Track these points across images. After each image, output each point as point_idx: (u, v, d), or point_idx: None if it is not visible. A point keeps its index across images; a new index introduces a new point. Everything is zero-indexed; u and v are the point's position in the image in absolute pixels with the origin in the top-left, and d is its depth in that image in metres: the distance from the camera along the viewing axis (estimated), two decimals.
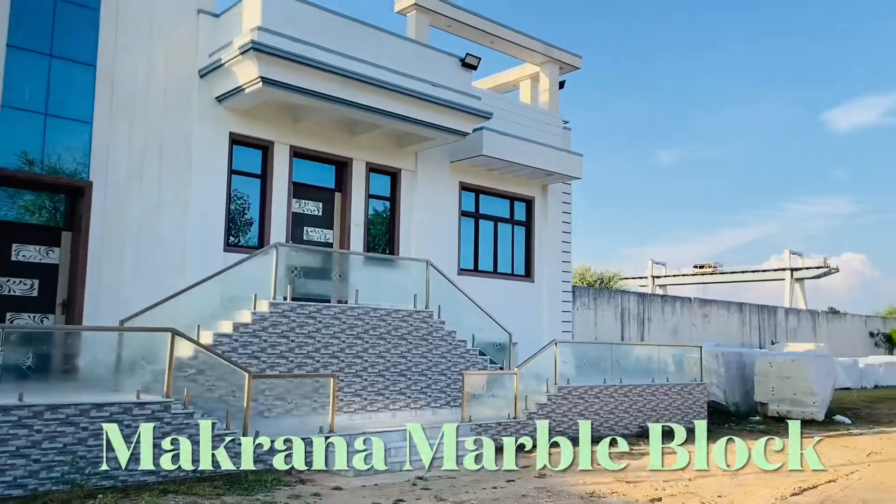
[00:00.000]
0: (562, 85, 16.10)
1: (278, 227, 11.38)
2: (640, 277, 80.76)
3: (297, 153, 11.77)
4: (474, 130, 12.85)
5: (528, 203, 15.28)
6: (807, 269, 70.22)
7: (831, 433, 12.65)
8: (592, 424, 11.34)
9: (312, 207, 12.00)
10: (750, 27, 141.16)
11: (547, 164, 14.24)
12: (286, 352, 9.14)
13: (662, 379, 12.63)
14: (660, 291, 74.76)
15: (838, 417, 14.64)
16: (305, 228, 11.89)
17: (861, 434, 12.62)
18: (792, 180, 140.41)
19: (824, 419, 14.34)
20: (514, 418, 10.41)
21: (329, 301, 10.09)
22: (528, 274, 15.10)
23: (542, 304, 15.02)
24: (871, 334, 41.21)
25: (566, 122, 16.00)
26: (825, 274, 71.18)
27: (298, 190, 11.81)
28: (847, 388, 23.75)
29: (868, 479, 8.49)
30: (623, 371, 12.22)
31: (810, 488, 7.85)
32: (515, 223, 15.10)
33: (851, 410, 16.45)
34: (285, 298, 9.32)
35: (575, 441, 10.67)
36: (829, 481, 8.30)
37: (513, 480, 7.90)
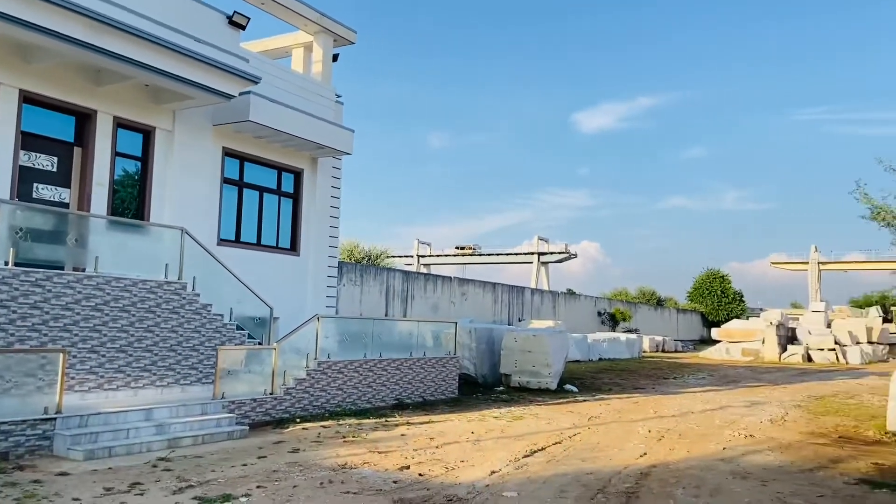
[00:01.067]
0: (335, 58, 16.09)
1: (1, 182, 9.89)
2: (407, 256, 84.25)
3: (28, 98, 10.28)
4: (241, 94, 12.34)
5: (297, 175, 15.11)
6: (551, 253, 79.62)
7: (561, 400, 14.56)
8: (352, 398, 11.73)
9: (45, 162, 10.60)
10: (519, 23, 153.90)
11: (317, 136, 14.19)
12: (5, 324, 8.13)
13: (420, 353, 13.43)
14: (424, 270, 78.70)
15: (568, 386, 16.83)
16: (36, 185, 10.47)
17: (585, 401, 14.69)
18: (544, 173, 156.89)
19: (557, 388, 16.41)
20: (272, 394, 10.36)
21: (63, 268, 9.21)
22: (293, 247, 14.97)
23: (307, 278, 15.03)
24: (599, 313, 47.89)
25: (339, 96, 16.05)
26: (566, 259, 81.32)
27: (28, 141, 10.36)
28: (577, 361, 27.44)
29: (587, 440, 9.98)
30: (384, 346, 12.78)
31: (540, 450, 9.02)
32: (283, 195, 14.84)
33: (579, 380, 19.07)
34: (6, 263, 8.26)
35: (332, 415, 10.99)
36: (556, 443, 9.60)
37: (265, 457, 7.91)
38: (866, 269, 76.56)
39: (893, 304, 54.24)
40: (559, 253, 79.18)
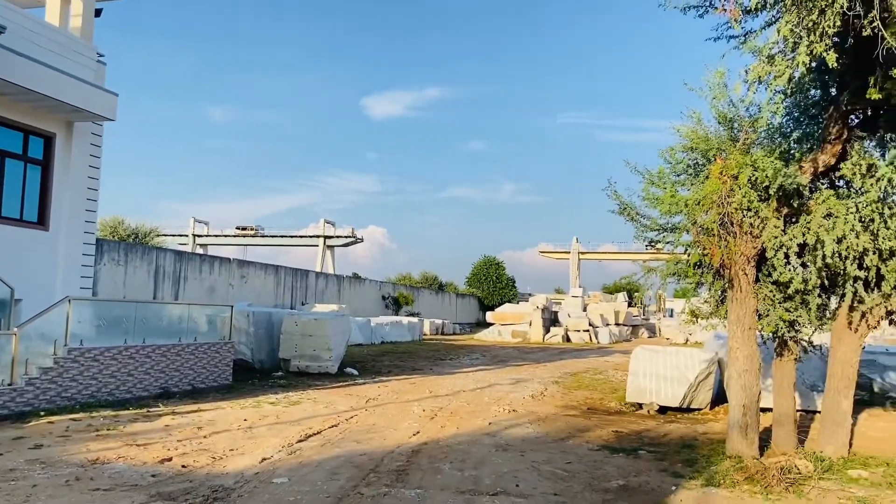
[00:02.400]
0: (98, 13, 14.44)
1: None
2: (181, 235, 78.79)
3: None
4: None
5: (48, 140, 13.33)
6: (338, 237, 79.79)
7: (341, 384, 14.67)
8: (109, 388, 10.71)
9: None
10: (312, 2, 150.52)
11: (74, 98, 12.63)
12: None
13: (190, 338, 12.69)
14: (200, 250, 74.30)
15: (349, 370, 17.00)
16: None
17: (365, 384, 14.95)
18: (333, 155, 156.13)
19: (337, 372, 16.50)
20: (10, 385, 9.11)
21: None
22: (41, 221, 13.22)
23: (58, 256, 13.37)
24: (384, 297, 48.93)
25: (101, 56, 14.42)
26: (353, 243, 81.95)
27: None
28: (360, 344, 27.82)
29: (364, 421, 10.16)
30: (150, 331, 11.86)
31: (315, 434, 9.00)
32: (30, 161, 13.00)
33: (361, 363, 19.35)
34: None
35: (85, 407, 9.94)
36: (332, 426, 9.65)
37: (0, 454, 6.95)
38: (617, 259, 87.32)
39: (636, 290, 62.44)
40: (346, 237, 79.47)
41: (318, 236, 79.14)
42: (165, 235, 57.29)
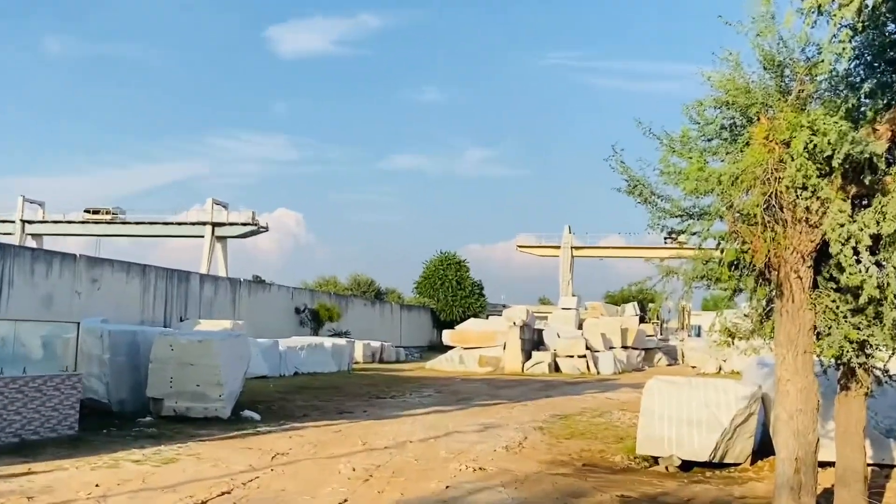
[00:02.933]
0: None
1: None
2: (6, 222, 77.12)
3: None
4: None
5: None
6: (232, 224, 79.28)
7: (236, 433, 14.51)
8: None
9: None
10: None
11: None
12: None
13: (16, 370, 12.49)
14: (32, 243, 72.65)
15: (247, 413, 16.87)
16: None
17: (270, 432, 14.83)
18: (224, 108, 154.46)
19: (231, 416, 16.36)
20: None
21: None
22: None
23: None
24: (298, 310, 48.65)
25: None
26: (253, 233, 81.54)
27: None
28: (264, 377, 27.57)
29: (268, 487, 10.08)
30: None
31: None
32: None
33: (264, 404, 19.18)
34: None
35: None
36: (223, 493, 9.54)
37: None
38: (624, 256, 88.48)
39: (650, 301, 63.34)
40: (243, 224, 78.95)
41: (203, 223, 78.27)
42: None
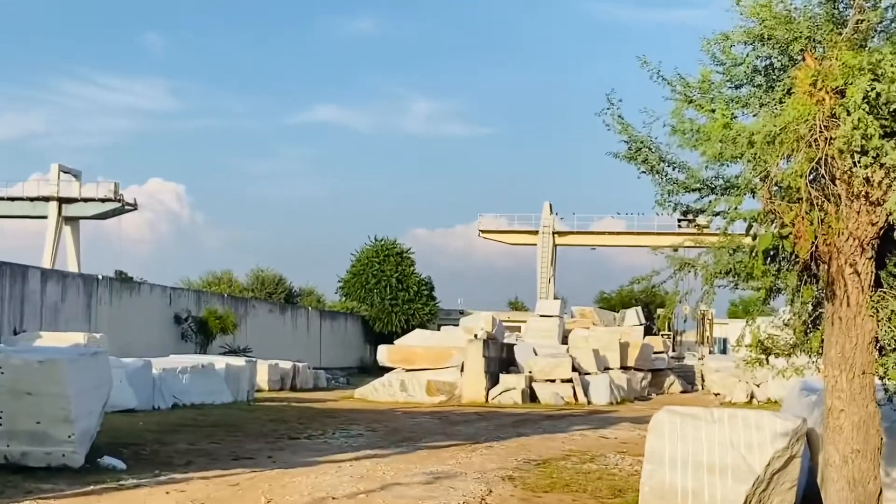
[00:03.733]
0: None
1: None
2: None
3: None
4: None
5: None
6: (87, 201, 78.50)
7: (92, 488, 14.33)
8: None
9: None
10: None
11: None
12: None
13: None
14: None
15: (108, 461, 16.65)
16: None
17: (139, 486, 14.66)
18: (75, 40, 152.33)
19: (86, 463, 16.14)
20: None
21: None
22: None
23: None
24: (179, 318, 48.31)
25: None
26: (116, 212, 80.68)
27: None
28: (131, 410, 27.29)
29: None
30: None
31: None
32: None
33: (132, 447, 18.99)
34: None
35: None
36: None
37: None
38: (623, 245, 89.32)
39: (659, 304, 63.80)
40: (102, 201, 78.31)
41: (46, 199, 77.43)
42: None
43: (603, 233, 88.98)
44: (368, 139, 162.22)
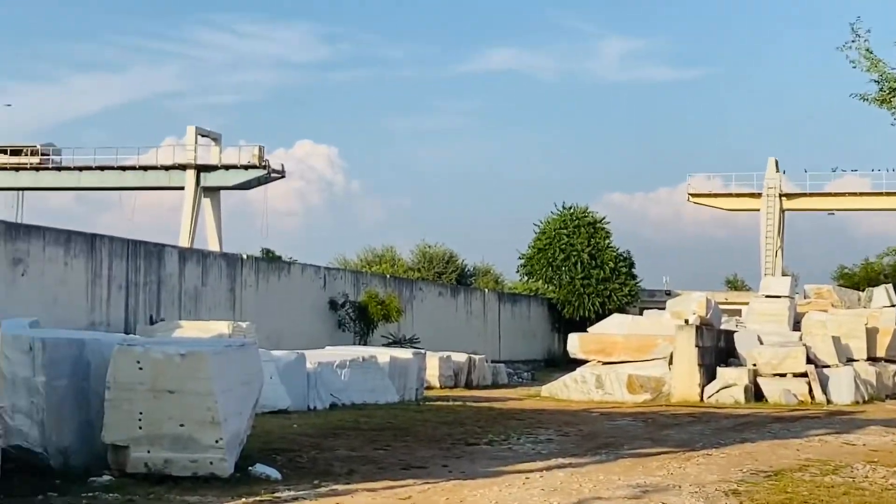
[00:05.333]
0: None
1: None
2: None
3: None
4: None
5: None
6: (227, 168, 79.70)
7: (242, 501, 14.70)
8: None
9: None
10: None
11: None
12: None
13: None
14: None
15: (260, 469, 17.08)
16: None
17: (297, 499, 14.97)
18: None
19: (235, 472, 16.57)
20: None
21: None
22: None
23: None
24: (335, 304, 49.09)
25: None
26: (262, 181, 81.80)
27: None
28: (284, 411, 27.92)
29: None
30: None
31: None
32: None
33: (286, 453, 19.49)
34: None
35: None
36: None
37: None
38: (870, 209, 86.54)
39: None
40: (245, 168, 79.35)
41: (183, 167, 79.13)
42: None
43: (842, 194, 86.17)
44: (551, 88, 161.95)
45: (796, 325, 43.55)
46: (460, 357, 45.88)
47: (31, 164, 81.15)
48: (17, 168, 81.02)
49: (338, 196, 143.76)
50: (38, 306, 31.10)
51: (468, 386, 44.63)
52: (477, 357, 47.85)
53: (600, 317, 55.42)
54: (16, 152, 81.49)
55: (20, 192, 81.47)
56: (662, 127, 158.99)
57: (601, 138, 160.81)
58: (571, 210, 74.39)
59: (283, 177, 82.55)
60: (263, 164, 79.81)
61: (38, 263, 32.52)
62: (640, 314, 49.89)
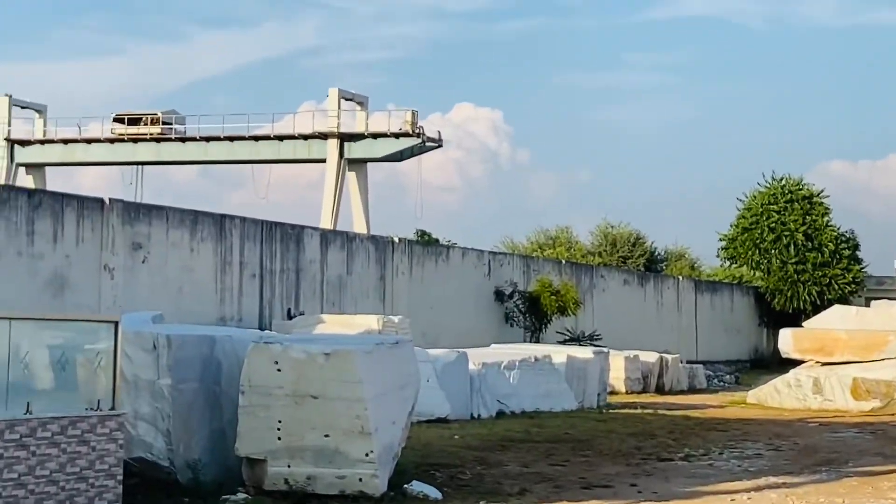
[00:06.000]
0: None
1: None
2: None
3: None
4: None
5: None
6: (374, 137, 79.80)
7: None
8: None
9: None
10: None
11: None
12: None
13: (17, 408, 13.10)
14: (27, 179, 76.34)
15: (417, 487, 17.21)
16: None
17: None
18: None
19: (389, 491, 16.72)
20: None
21: None
22: None
23: None
24: (501, 294, 49.13)
25: None
26: (415, 151, 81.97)
27: None
28: (444, 420, 28.05)
29: None
30: None
31: None
32: None
33: (448, 469, 19.64)
34: None
35: None
36: None
37: None
38: None
39: None
40: (396, 136, 79.60)
41: (324, 136, 79.67)
42: None
43: None
44: (759, 37, 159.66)
45: None
46: (650, 357, 45.63)
47: (151, 134, 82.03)
48: (135, 139, 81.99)
49: (503, 168, 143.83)
50: (162, 298, 31.64)
51: (659, 391, 44.41)
52: (670, 357, 47.56)
53: (818, 309, 54.69)
54: (134, 121, 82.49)
55: (139, 166, 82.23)
56: (890, 81, 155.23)
57: (817, 96, 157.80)
58: (783, 182, 73.25)
59: (439, 146, 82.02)
60: (417, 131, 79.34)
61: (161, 249, 32.98)
62: (867, 305, 49.05)
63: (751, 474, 20.37)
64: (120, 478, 14.16)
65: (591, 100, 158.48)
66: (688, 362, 50.43)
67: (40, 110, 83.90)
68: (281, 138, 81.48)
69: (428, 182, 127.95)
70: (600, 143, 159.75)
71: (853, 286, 70.31)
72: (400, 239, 46.68)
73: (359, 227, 72.80)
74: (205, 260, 34.49)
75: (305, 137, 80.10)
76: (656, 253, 77.67)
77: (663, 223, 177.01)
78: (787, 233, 70.61)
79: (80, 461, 13.65)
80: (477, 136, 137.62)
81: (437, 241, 51.00)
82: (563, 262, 58.50)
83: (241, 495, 16.33)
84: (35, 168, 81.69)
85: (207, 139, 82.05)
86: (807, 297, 68.13)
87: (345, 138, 78.31)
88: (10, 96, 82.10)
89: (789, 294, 69.23)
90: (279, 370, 16.66)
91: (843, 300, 61.75)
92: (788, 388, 38.83)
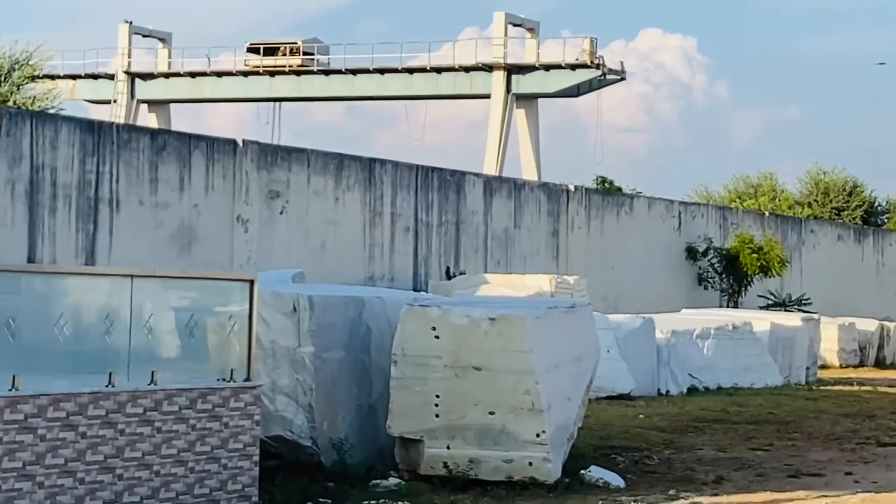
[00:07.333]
0: None
1: None
2: (97, 77, 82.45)
3: None
4: None
5: None
6: (547, 68, 79.53)
7: None
8: None
9: None
10: None
11: None
12: None
13: (141, 378, 13.32)
14: (150, 118, 77.54)
15: (596, 473, 17.21)
16: None
17: None
18: None
19: (563, 477, 16.72)
20: None
21: None
22: None
23: None
24: (694, 251, 48.88)
25: None
26: (594, 85, 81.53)
27: None
28: (626, 396, 28.02)
29: None
30: (24, 355, 12.59)
31: None
32: None
33: (631, 453, 19.63)
34: None
35: None
36: None
37: None
38: None
39: None
40: (572, 67, 79.38)
41: (488, 68, 79.73)
42: (51, 78, 60.33)
43: None
44: None
45: None
46: (868, 325, 45.07)
47: (289, 66, 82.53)
48: (272, 72, 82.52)
49: (697, 105, 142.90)
50: (302, 254, 31.95)
51: (880, 364, 43.87)
52: (892, 325, 46.95)
53: None
54: (270, 52, 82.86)
55: (276, 102, 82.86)
56: None
57: None
58: None
59: (622, 79, 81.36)
60: (596, 62, 78.72)
61: (301, 198, 33.17)
62: None
63: None
64: (256, 459, 14.34)
65: (801, 24, 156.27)
66: None
67: (164, 39, 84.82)
68: (439, 70, 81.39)
69: (609, 121, 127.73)
70: (812, 75, 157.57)
71: None
72: (576, 187, 46.62)
73: (528, 174, 72.58)
74: (351, 211, 34.69)
75: (467, 69, 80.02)
76: (876, 204, 76.51)
77: (885, 169, 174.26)
78: None
79: (211, 439, 13.83)
80: (666, 67, 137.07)
81: (619, 189, 50.98)
82: (767, 214, 58.00)
83: (393, 480, 16.43)
84: (158, 105, 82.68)
85: (354, 72, 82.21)
86: None
87: (512, 70, 78.08)
88: (131, 23, 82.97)
89: None
90: (437, 337, 16.71)
91: None
92: None
